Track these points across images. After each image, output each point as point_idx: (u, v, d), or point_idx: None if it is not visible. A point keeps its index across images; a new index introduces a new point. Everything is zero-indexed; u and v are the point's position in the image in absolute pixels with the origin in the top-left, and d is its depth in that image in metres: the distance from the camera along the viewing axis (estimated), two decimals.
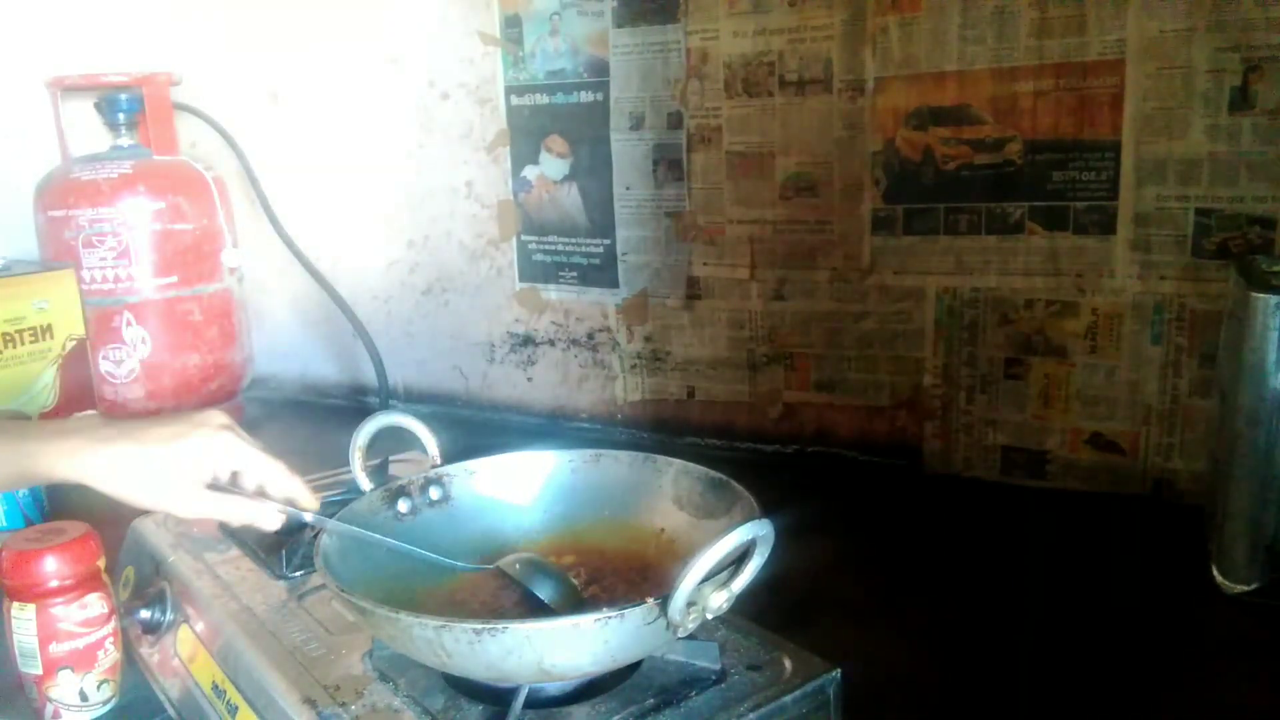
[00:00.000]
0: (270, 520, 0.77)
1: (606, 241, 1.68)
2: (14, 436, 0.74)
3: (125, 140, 1.81)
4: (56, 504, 1.47)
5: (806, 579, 1.14)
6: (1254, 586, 1.07)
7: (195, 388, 1.80)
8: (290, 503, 0.77)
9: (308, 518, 0.77)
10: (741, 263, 1.58)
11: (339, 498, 0.95)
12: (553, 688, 0.68)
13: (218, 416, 0.77)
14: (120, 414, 1.74)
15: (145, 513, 0.98)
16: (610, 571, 0.79)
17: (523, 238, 1.77)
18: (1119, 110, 1.28)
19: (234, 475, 0.77)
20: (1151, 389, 1.34)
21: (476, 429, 1.81)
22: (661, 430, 1.71)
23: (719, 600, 0.61)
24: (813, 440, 1.58)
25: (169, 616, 0.92)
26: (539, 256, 1.76)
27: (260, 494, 0.77)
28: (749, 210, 1.55)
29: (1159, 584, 1.14)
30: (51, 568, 0.85)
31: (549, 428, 1.81)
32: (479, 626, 0.59)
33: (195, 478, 0.74)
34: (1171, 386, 1.32)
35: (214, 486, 0.75)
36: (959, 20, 1.35)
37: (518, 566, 0.75)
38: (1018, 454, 1.44)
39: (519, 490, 0.86)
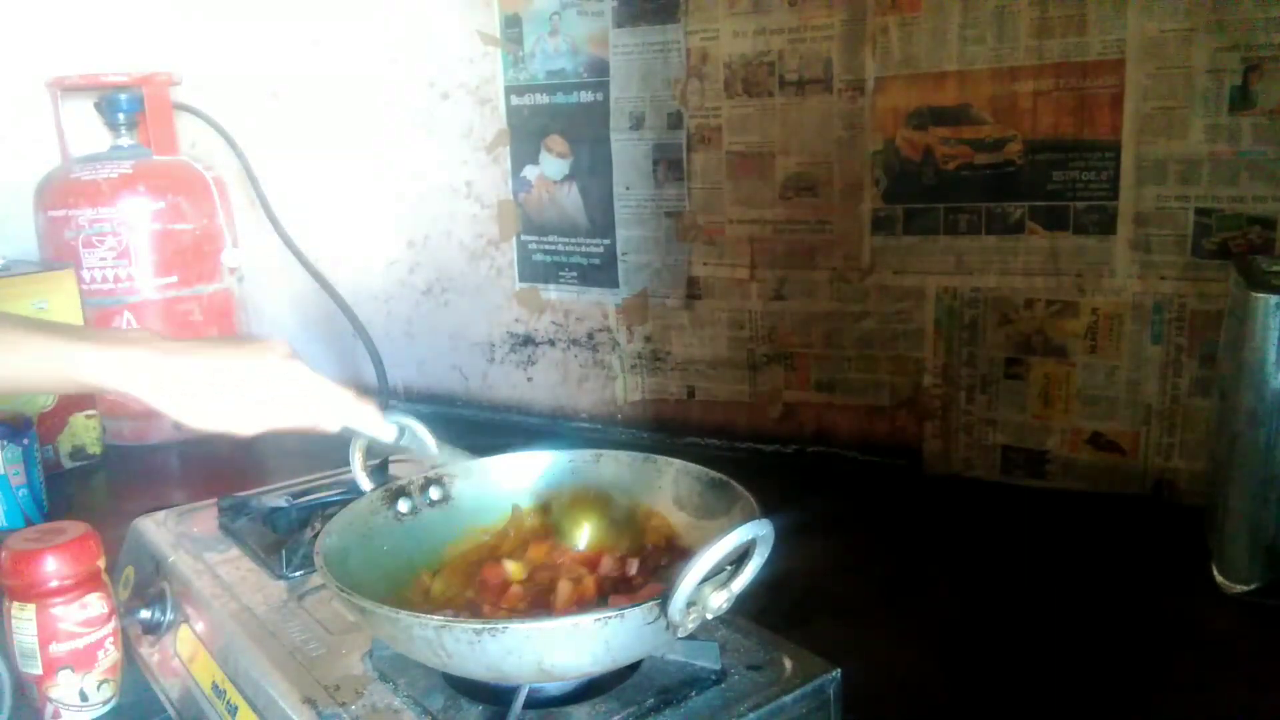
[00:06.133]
0: (329, 421, 0.77)
1: (606, 241, 1.68)
2: (66, 336, 0.71)
3: (125, 140, 1.81)
4: (56, 504, 1.48)
5: (806, 579, 1.14)
6: (1254, 586, 1.07)
7: None
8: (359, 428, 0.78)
9: (380, 430, 0.79)
10: (741, 263, 1.58)
11: (339, 497, 0.96)
12: (553, 688, 0.68)
13: (282, 346, 0.76)
14: (125, 401, 1.74)
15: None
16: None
17: (523, 238, 1.77)
18: (1119, 110, 1.28)
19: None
20: (1151, 389, 1.34)
21: (476, 429, 1.81)
22: (661, 430, 1.71)
23: (719, 600, 0.61)
24: (813, 440, 1.58)
25: (169, 616, 0.92)
26: (539, 256, 1.76)
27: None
28: (749, 210, 1.55)
29: (1159, 584, 1.14)
30: (51, 568, 0.85)
31: (549, 428, 1.81)
32: (479, 626, 0.59)
33: (251, 401, 0.73)
34: (1171, 386, 1.32)
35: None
36: (959, 20, 1.35)
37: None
38: (1018, 454, 1.44)
39: (519, 491, 0.86)
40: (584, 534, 0.79)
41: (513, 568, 0.75)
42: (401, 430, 0.81)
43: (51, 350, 0.69)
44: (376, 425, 0.79)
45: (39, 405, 1.59)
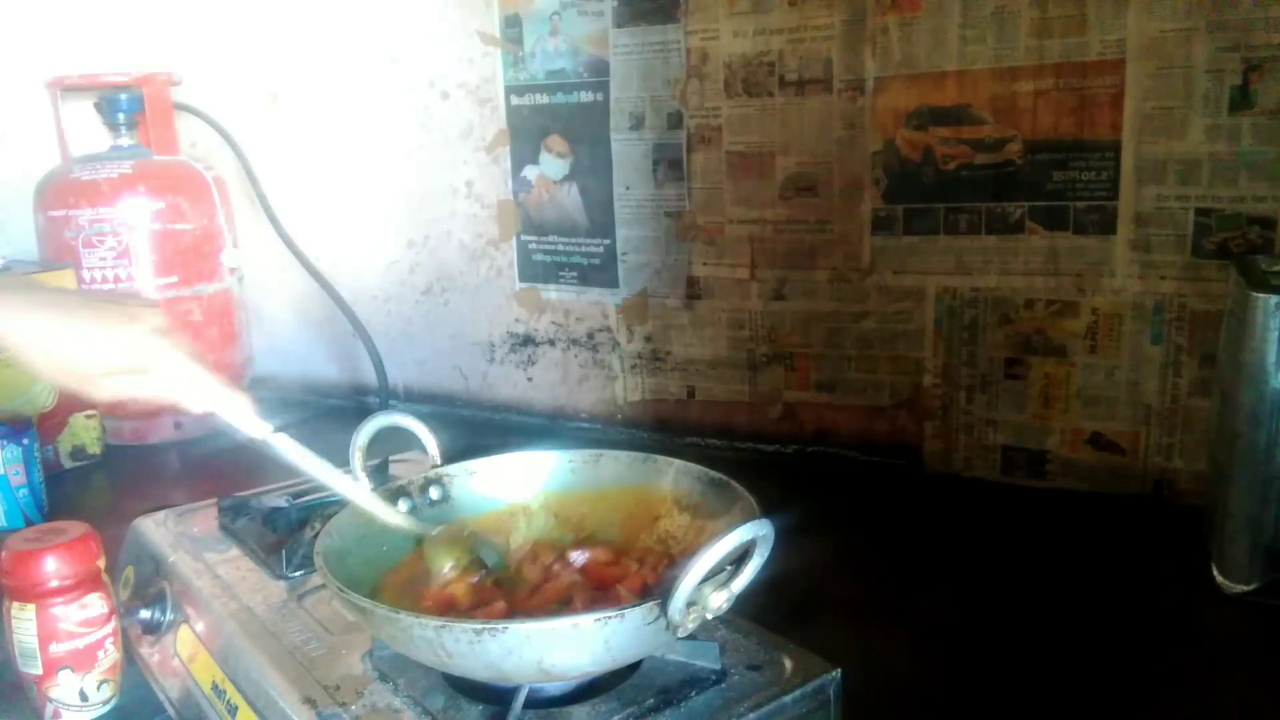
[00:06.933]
0: (196, 402, 0.75)
1: (606, 241, 1.68)
2: None
3: (125, 140, 1.81)
4: (56, 504, 1.48)
5: (806, 579, 1.14)
6: (1254, 586, 1.07)
7: None
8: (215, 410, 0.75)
9: (256, 434, 0.75)
10: (741, 263, 1.58)
11: (339, 497, 0.96)
12: (553, 688, 0.68)
13: (155, 317, 0.75)
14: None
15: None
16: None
17: (523, 238, 1.77)
18: (1119, 110, 1.28)
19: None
20: (1151, 389, 1.34)
21: (476, 429, 1.81)
22: (661, 430, 1.71)
23: (719, 600, 0.61)
24: (813, 440, 1.58)
25: (169, 616, 0.92)
26: (539, 256, 1.76)
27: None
28: (749, 210, 1.55)
29: (1159, 584, 1.14)
30: (51, 568, 0.85)
31: (549, 428, 1.81)
32: (479, 626, 0.59)
33: (115, 366, 0.73)
34: (1171, 386, 1.32)
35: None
36: (959, 20, 1.35)
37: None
38: (1018, 454, 1.44)
39: (519, 490, 0.86)
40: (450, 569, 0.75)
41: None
42: (273, 432, 0.76)
43: None
44: (247, 420, 0.75)
45: (39, 405, 1.59)
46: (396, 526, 0.77)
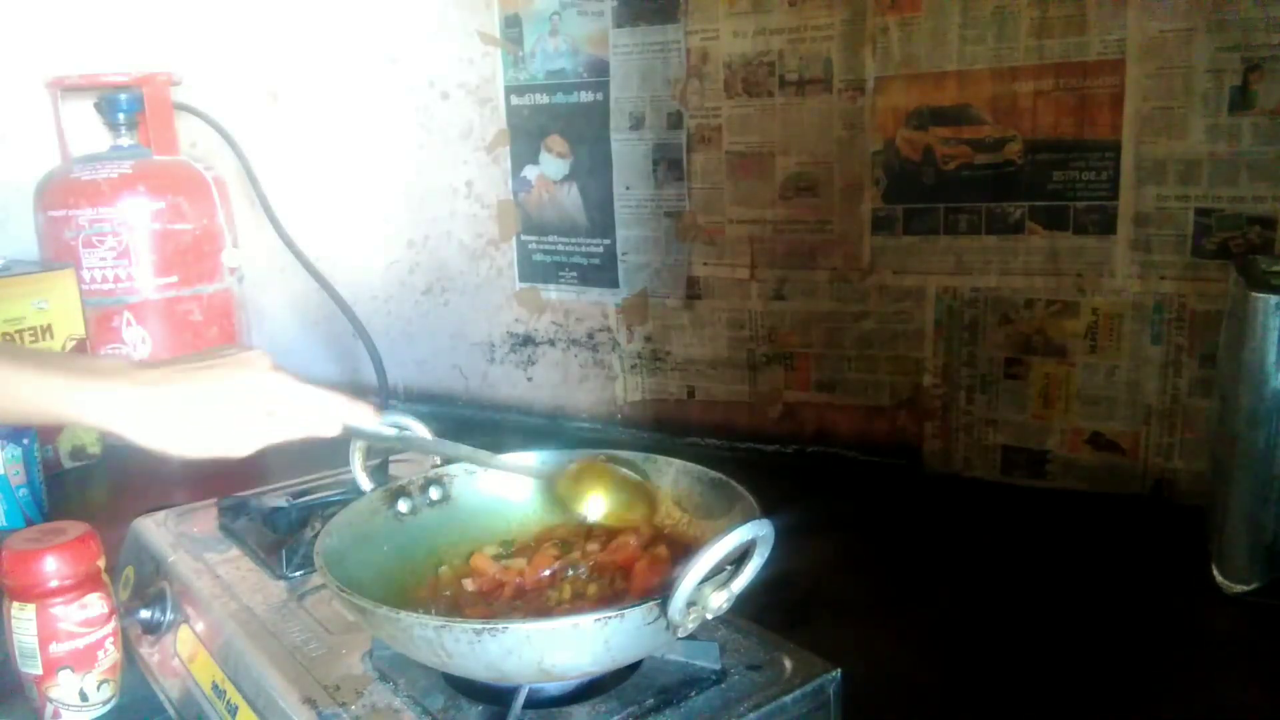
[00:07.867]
0: (328, 426, 0.76)
1: (606, 241, 1.68)
2: (40, 368, 0.68)
3: (125, 140, 1.81)
4: (56, 504, 1.47)
5: (806, 579, 1.14)
6: (1254, 586, 1.07)
7: None
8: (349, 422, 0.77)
9: (379, 427, 0.78)
10: (741, 263, 1.58)
11: (339, 497, 0.96)
12: (553, 688, 0.68)
13: (262, 358, 0.75)
14: None
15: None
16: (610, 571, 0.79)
17: (523, 238, 1.77)
18: (1119, 110, 1.28)
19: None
20: (1151, 389, 1.34)
21: (476, 429, 1.81)
22: (661, 430, 1.71)
23: (719, 600, 0.61)
24: (813, 440, 1.58)
25: (169, 616, 0.92)
26: (539, 256, 1.76)
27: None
28: (749, 210, 1.55)
29: (1159, 584, 1.14)
30: (51, 568, 0.85)
31: (549, 428, 1.81)
32: (479, 626, 0.59)
33: (242, 422, 0.72)
34: (1171, 386, 1.32)
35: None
36: (959, 20, 1.35)
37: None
38: (1018, 454, 1.44)
39: (519, 490, 0.86)
40: (592, 503, 0.78)
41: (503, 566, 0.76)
42: (399, 428, 0.81)
43: (23, 385, 0.67)
44: (374, 424, 0.79)
45: None
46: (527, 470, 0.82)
